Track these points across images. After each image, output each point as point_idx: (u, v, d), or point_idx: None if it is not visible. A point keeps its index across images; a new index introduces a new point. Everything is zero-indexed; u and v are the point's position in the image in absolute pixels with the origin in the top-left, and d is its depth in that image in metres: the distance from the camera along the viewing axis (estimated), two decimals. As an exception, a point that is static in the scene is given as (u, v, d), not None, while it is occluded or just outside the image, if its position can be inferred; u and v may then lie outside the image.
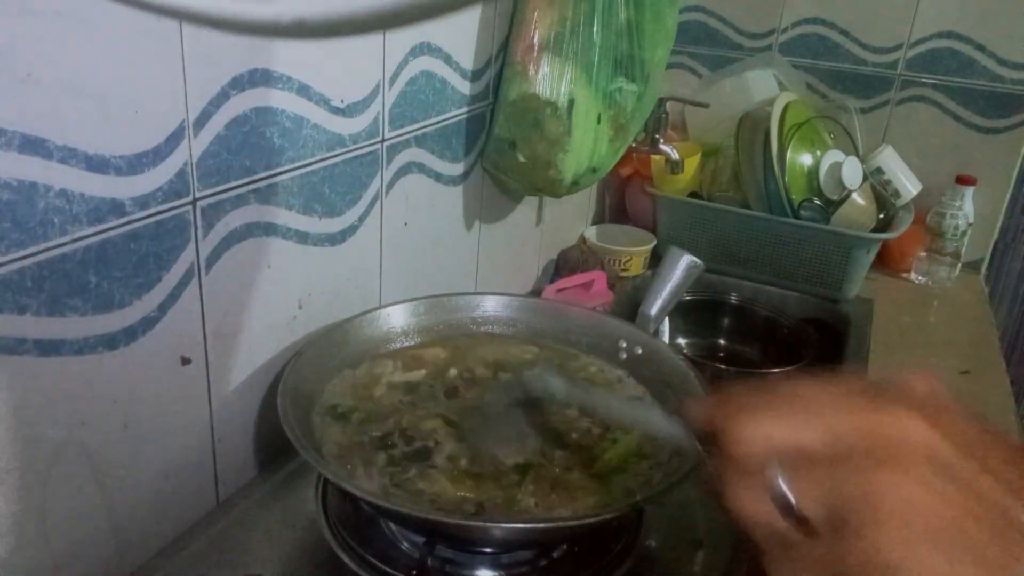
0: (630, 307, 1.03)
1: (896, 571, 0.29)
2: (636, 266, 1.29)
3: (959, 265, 1.37)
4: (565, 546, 0.59)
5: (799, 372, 1.08)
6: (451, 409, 0.66)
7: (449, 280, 0.96)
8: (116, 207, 0.51)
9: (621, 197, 1.46)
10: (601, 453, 0.61)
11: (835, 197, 1.22)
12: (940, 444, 0.30)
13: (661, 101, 1.20)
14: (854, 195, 1.22)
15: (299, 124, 0.65)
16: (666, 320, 1.01)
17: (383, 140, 0.76)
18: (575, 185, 0.95)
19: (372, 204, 0.77)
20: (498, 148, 0.92)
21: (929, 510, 0.29)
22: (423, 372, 0.71)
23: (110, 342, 0.53)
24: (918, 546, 0.29)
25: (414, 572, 0.55)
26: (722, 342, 1.28)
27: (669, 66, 1.16)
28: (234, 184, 0.60)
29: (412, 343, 0.75)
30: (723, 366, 1.11)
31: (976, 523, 0.29)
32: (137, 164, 0.51)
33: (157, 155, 0.53)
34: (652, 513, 0.63)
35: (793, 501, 0.32)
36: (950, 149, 1.39)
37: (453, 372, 0.71)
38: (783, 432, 0.33)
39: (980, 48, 1.34)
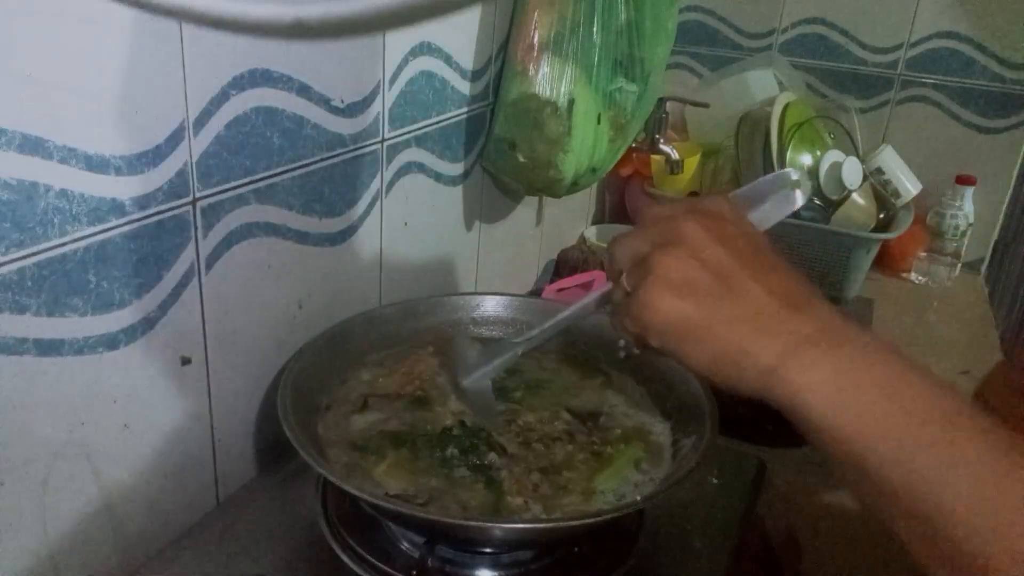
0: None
1: (648, 308, 0.46)
2: (636, 266, 1.28)
3: (959, 265, 1.37)
4: (565, 546, 0.59)
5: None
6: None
7: (449, 280, 0.96)
8: (116, 207, 0.51)
9: (621, 197, 1.46)
10: (594, 474, 0.60)
11: (835, 197, 1.22)
12: (702, 236, 0.46)
13: (661, 101, 1.20)
14: (854, 195, 1.22)
15: (299, 124, 0.65)
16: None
17: (383, 140, 0.76)
18: (575, 185, 0.95)
19: (372, 204, 0.77)
20: (498, 148, 0.92)
21: (677, 273, 0.46)
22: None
23: (110, 342, 0.53)
24: (663, 292, 0.46)
25: (414, 572, 0.55)
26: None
27: (669, 66, 1.16)
28: (234, 184, 0.60)
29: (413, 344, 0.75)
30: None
31: (706, 283, 0.45)
32: (137, 164, 0.51)
33: (157, 155, 0.53)
34: (652, 513, 0.63)
35: (624, 280, 0.49)
36: (950, 149, 1.39)
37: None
38: (630, 242, 0.50)
39: (980, 48, 1.34)
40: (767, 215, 0.54)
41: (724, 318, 0.45)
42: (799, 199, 0.54)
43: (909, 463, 0.39)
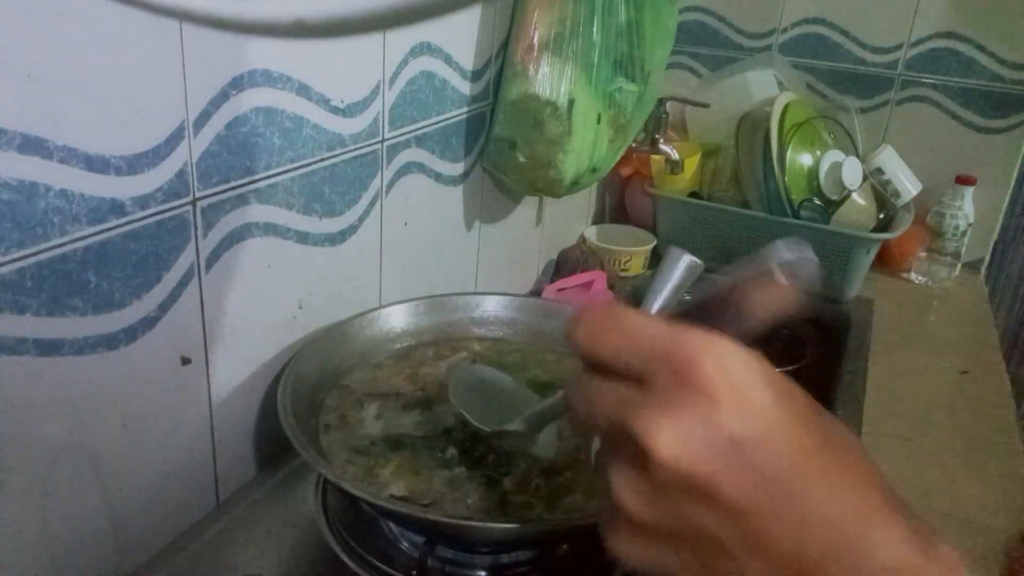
0: (630, 307, 1.02)
1: (616, 550, 0.33)
2: (636, 266, 1.28)
3: (959, 265, 1.37)
4: (565, 546, 0.59)
5: (799, 372, 1.09)
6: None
7: (449, 280, 0.96)
8: (116, 207, 0.51)
9: (621, 197, 1.46)
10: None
11: (835, 197, 1.22)
12: (643, 512, 0.32)
13: (661, 101, 1.20)
14: (854, 195, 1.22)
15: (299, 124, 0.65)
16: (666, 320, 1.00)
17: (383, 140, 0.76)
18: (575, 185, 0.95)
19: (372, 204, 0.77)
20: (498, 148, 0.92)
21: (640, 538, 0.33)
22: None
23: (110, 342, 0.53)
24: (632, 540, 0.33)
25: (414, 572, 0.55)
26: (722, 342, 1.27)
27: (669, 66, 1.16)
28: (234, 184, 0.60)
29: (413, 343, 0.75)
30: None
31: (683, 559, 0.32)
32: (137, 164, 0.51)
33: (157, 155, 0.53)
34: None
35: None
36: (950, 149, 1.39)
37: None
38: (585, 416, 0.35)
39: (980, 48, 1.34)
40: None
41: None
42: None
43: None
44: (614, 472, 0.32)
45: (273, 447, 0.71)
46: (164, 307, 0.56)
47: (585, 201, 1.37)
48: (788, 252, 0.34)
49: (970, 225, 1.35)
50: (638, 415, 0.31)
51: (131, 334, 0.54)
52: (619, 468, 0.32)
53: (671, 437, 0.30)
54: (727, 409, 0.30)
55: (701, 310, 0.36)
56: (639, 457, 0.31)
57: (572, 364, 0.74)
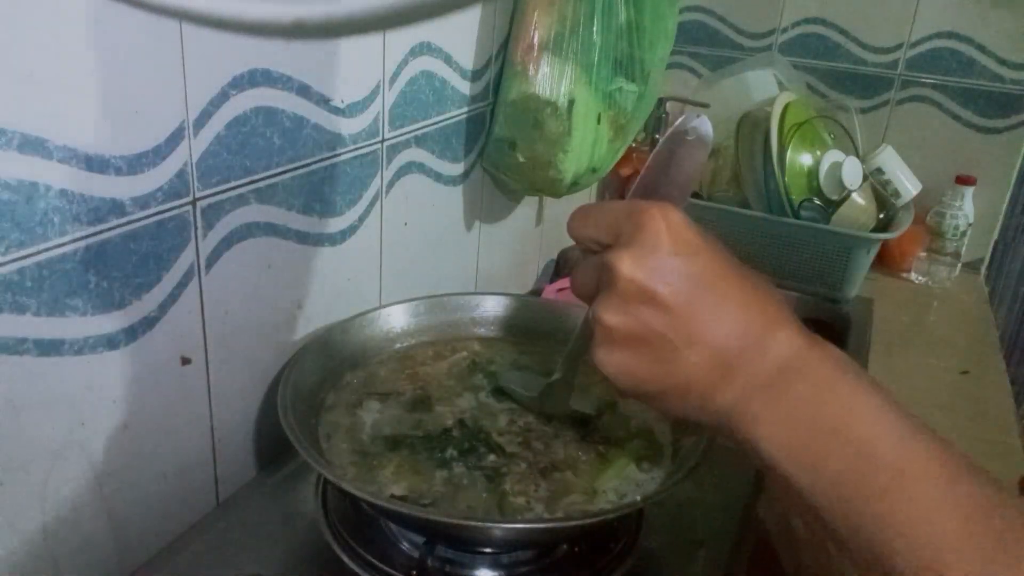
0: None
1: (600, 364, 0.45)
2: (636, 266, 1.28)
3: (959, 265, 1.37)
4: (565, 546, 0.59)
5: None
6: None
7: (449, 280, 0.96)
8: (116, 207, 0.51)
9: (621, 197, 1.46)
10: (596, 474, 0.60)
11: (835, 197, 1.22)
12: (638, 287, 0.43)
13: (661, 101, 1.20)
14: (854, 195, 1.22)
15: (299, 124, 0.65)
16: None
17: (383, 140, 0.76)
18: (575, 185, 0.95)
19: (372, 204, 0.77)
20: (498, 148, 0.92)
21: (619, 331, 0.44)
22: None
23: (110, 342, 0.53)
24: (610, 350, 0.44)
25: (414, 572, 0.55)
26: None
27: (669, 66, 1.16)
28: (234, 184, 0.60)
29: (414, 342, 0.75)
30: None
31: (651, 339, 0.43)
32: (137, 164, 0.51)
33: (157, 155, 0.53)
34: (652, 513, 0.63)
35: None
36: (950, 149, 1.39)
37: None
38: (581, 266, 0.48)
39: (980, 48, 1.34)
40: (686, 170, 0.51)
41: (675, 375, 0.43)
42: (702, 125, 0.50)
43: (859, 515, 0.39)
44: (598, 302, 0.44)
45: (273, 447, 0.71)
46: (164, 307, 0.56)
47: (585, 201, 1.37)
48: (692, 120, 0.49)
49: (970, 225, 1.35)
50: (610, 253, 0.44)
51: (131, 334, 0.54)
52: (600, 298, 0.44)
53: (630, 262, 0.43)
54: (669, 242, 0.43)
55: (647, 179, 0.51)
56: (611, 283, 0.43)
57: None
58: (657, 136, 1.23)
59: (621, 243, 0.44)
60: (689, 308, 0.42)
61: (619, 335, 0.44)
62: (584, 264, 0.47)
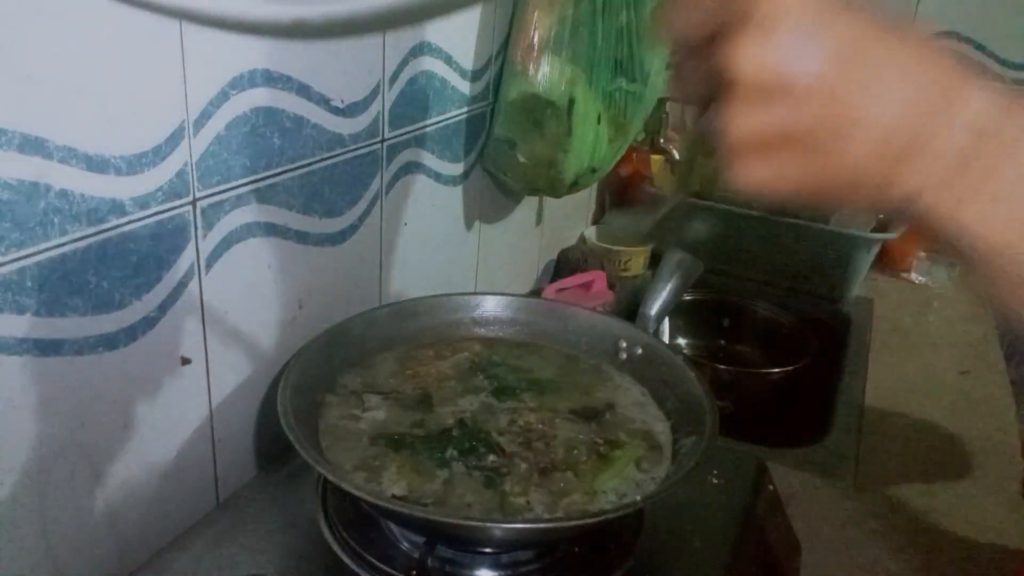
0: (630, 307, 1.03)
1: (742, 186, 0.36)
2: (636, 266, 1.28)
3: (959, 265, 1.36)
4: (565, 546, 0.59)
5: (799, 372, 1.09)
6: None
7: (449, 280, 0.96)
8: (116, 207, 0.51)
9: (621, 197, 1.46)
10: (596, 474, 0.60)
11: (835, 197, 1.21)
12: (769, 71, 0.34)
13: (661, 101, 1.20)
14: (854, 195, 1.22)
15: (299, 124, 0.65)
16: (666, 320, 1.01)
17: (383, 140, 0.76)
18: (575, 185, 0.95)
19: (372, 204, 0.77)
20: (498, 148, 0.92)
21: (757, 136, 0.35)
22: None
23: (110, 342, 0.53)
24: (750, 165, 0.35)
25: (414, 572, 0.55)
26: (722, 342, 1.28)
27: (669, 66, 1.16)
28: (234, 184, 0.60)
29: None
30: (723, 366, 1.11)
31: (796, 133, 0.34)
32: (137, 164, 0.51)
33: (157, 155, 0.53)
34: (652, 513, 0.63)
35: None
36: (950, 149, 1.39)
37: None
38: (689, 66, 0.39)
39: (980, 48, 1.34)
40: None
41: (838, 173, 0.35)
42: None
43: None
44: (722, 117, 0.35)
45: (273, 447, 0.71)
46: (164, 307, 0.56)
47: (585, 201, 1.37)
48: None
49: (970, 225, 1.35)
50: (722, 54, 0.34)
51: (131, 334, 0.54)
52: (725, 110, 0.35)
53: (751, 48, 0.33)
54: (797, 6, 0.33)
55: None
56: (736, 90, 0.34)
57: (571, 365, 0.74)
58: (657, 136, 1.23)
59: (732, 37, 0.35)
60: (840, 89, 0.34)
61: (756, 144, 0.35)
62: (685, 63, 0.39)
